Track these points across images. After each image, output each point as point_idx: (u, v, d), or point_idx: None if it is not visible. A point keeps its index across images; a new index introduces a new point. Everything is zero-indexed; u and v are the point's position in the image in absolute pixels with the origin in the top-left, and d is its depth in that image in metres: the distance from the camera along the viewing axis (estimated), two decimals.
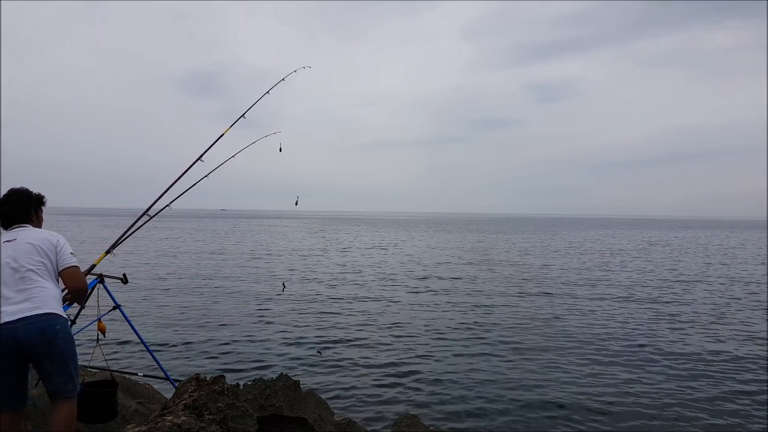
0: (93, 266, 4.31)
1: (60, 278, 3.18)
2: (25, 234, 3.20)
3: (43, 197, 3.44)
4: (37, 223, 3.37)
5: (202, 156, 5.24)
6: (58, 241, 3.21)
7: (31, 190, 3.35)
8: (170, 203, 5.76)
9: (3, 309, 2.90)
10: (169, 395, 4.59)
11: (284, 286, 15.90)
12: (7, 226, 3.24)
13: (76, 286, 3.19)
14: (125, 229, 4.94)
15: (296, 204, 6.38)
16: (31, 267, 3.05)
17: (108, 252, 4.57)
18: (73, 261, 3.21)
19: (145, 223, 5.74)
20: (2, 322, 2.87)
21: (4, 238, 3.16)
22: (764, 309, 13.43)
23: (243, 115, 5.81)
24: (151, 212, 5.32)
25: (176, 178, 5.14)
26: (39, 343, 2.90)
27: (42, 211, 3.46)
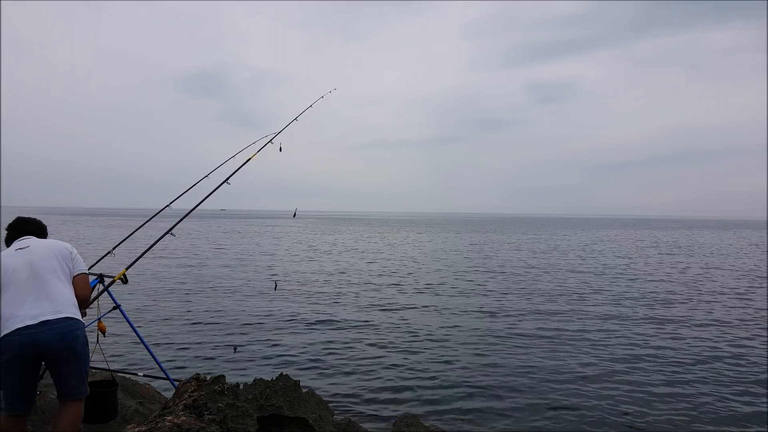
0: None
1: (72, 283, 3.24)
2: (37, 241, 3.27)
3: (45, 227, 3.58)
4: None
5: (228, 179, 5.31)
6: (72, 248, 3.33)
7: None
8: (170, 203, 5.77)
9: (22, 312, 2.91)
10: (169, 395, 4.59)
11: (276, 285, 15.92)
12: (12, 240, 3.31)
13: (84, 295, 3.27)
14: (147, 248, 4.96)
15: (294, 216, 6.66)
16: (50, 270, 3.09)
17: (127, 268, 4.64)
18: (84, 269, 3.33)
19: (144, 224, 5.73)
20: (24, 325, 2.87)
21: (15, 246, 3.20)
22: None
23: (271, 141, 5.81)
24: (151, 213, 5.34)
25: (202, 199, 5.28)
26: (60, 348, 2.92)
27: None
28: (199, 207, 5.48)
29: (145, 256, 4.92)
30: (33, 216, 3.56)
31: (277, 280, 16.80)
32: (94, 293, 4.21)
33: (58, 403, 3.10)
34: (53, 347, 2.89)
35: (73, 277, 3.22)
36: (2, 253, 3.16)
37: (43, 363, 3.01)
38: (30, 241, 3.24)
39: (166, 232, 4.99)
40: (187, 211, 5.38)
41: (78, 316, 3.09)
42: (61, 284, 3.09)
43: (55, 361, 2.95)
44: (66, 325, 2.96)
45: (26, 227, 3.37)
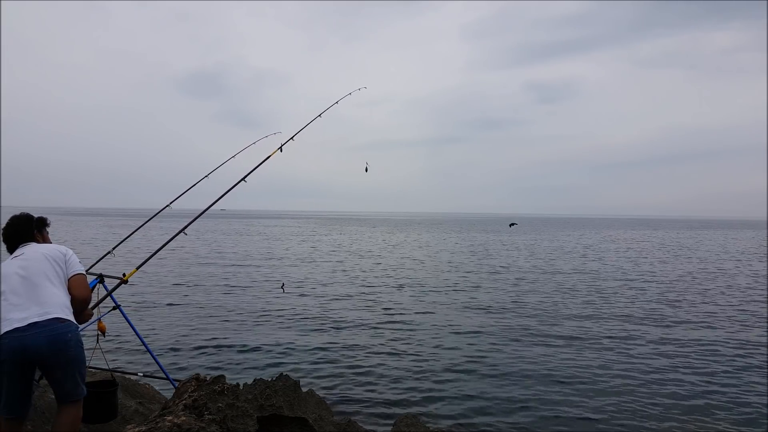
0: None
1: (68, 285, 3.20)
2: (33, 247, 3.26)
3: (45, 219, 3.51)
4: (42, 242, 3.41)
5: (245, 177, 5.28)
6: (66, 250, 3.29)
7: (32, 214, 3.45)
8: (170, 203, 5.77)
9: (11, 316, 2.89)
10: (169, 395, 4.59)
11: (284, 287, 15.88)
12: (12, 251, 3.29)
13: (83, 295, 3.22)
14: (160, 246, 4.93)
15: (366, 170, 6.44)
16: (41, 274, 3.07)
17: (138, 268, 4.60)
18: (81, 269, 3.27)
19: (144, 224, 5.74)
20: (11, 328, 2.85)
21: (12, 256, 3.22)
22: None
23: (292, 138, 5.76)
24: (151, 213, 5.32)
25: (219, 196, 5.19)
26: (50, 353, 2.88)
27: (47, 232, 3.52)
28: (200, 208, 5.48)
29: (145, 256, 4.92)
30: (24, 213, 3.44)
31: (283, 282, 16.73)
32: (100, 294, 4.21)
33: (56, 404, 3.09)
34: (44, 352, 2.86)
35: (69, 279, 3.18)
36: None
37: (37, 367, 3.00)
38: (26, 248, 3.24)
39: (180, 231, 4.97)
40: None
41: (70, 317, 3.04)
42: (53, 287, 3.06)
43: (49, 367, 2.93)
44: (55, 328, 2.91)
45: (19, 235, 3.31)
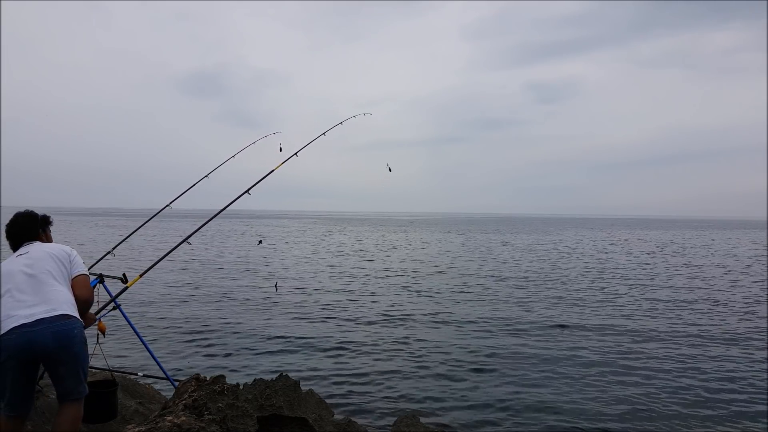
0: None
1: (71, 285, 3.22)
2: (38, 246, 3.28)
3: (49, 217, 3.54)
4: (46, 241, 3.43)
5: (249, 189, 5.32)
6: (71, 251, 3.32)
7: (36, 212, 3.46)
8: (170, 203, 5.79)
9: (17, 312, 2.90)
10: (169, 395, 4.59)
11: (277, 287, 15.87)
12: (16, 248, 3.30)
13: (84, 295, 3.24)
14: (164, 254, 4.96)
15: (390, 170, 6.76)
16: (46, 272, 3.09)
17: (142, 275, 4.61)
18: (84, 270, 3.30)
19: (144, 224, 5.74)
20: (18, 324, 2.86)
21: (16, 254, 3.23)
22: None
23: (296, 154, 5.81)
24: (151, 213, 5.34)
25: (222, 208, 5.28)
26: (56, 348, 2.90)
27: (50, 231, 3.53)
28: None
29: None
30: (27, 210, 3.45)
31: (278, 282, 16.77)
32: (100, 293, 4.22)
33: (57, 403, 3.10)
34: (49, 348, 2.87)
35: (72, 279, 3.21)
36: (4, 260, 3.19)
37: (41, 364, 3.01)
38: (31, 247, 3.26)
39: (183, 241, 5.03)
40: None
41: (75, 314, 3.07)
42: (58, 284, 3.09)
43: (52, 363, 2.94)
44: (61, 324, 2.94)
45: (24, 233, 3.32)
